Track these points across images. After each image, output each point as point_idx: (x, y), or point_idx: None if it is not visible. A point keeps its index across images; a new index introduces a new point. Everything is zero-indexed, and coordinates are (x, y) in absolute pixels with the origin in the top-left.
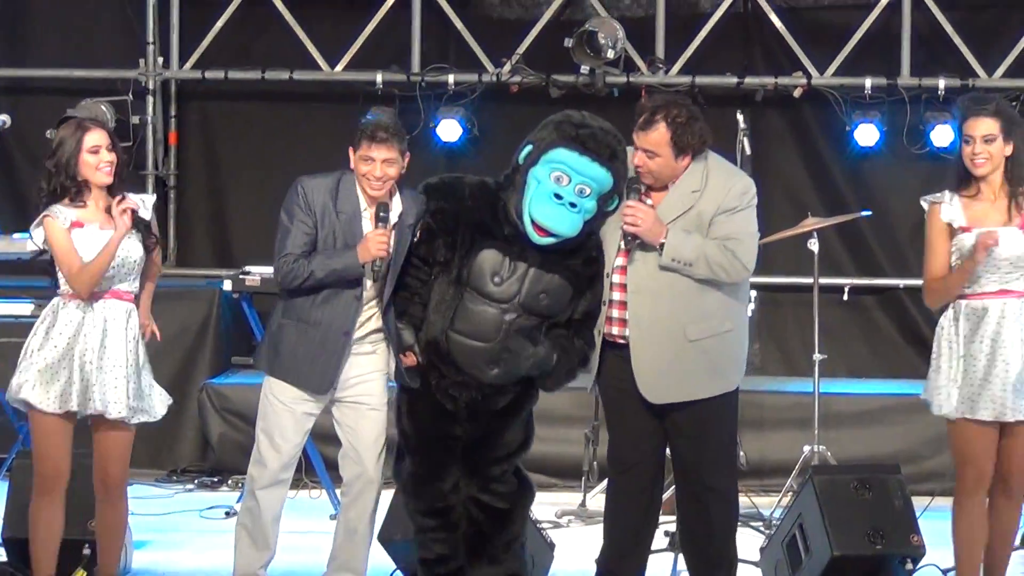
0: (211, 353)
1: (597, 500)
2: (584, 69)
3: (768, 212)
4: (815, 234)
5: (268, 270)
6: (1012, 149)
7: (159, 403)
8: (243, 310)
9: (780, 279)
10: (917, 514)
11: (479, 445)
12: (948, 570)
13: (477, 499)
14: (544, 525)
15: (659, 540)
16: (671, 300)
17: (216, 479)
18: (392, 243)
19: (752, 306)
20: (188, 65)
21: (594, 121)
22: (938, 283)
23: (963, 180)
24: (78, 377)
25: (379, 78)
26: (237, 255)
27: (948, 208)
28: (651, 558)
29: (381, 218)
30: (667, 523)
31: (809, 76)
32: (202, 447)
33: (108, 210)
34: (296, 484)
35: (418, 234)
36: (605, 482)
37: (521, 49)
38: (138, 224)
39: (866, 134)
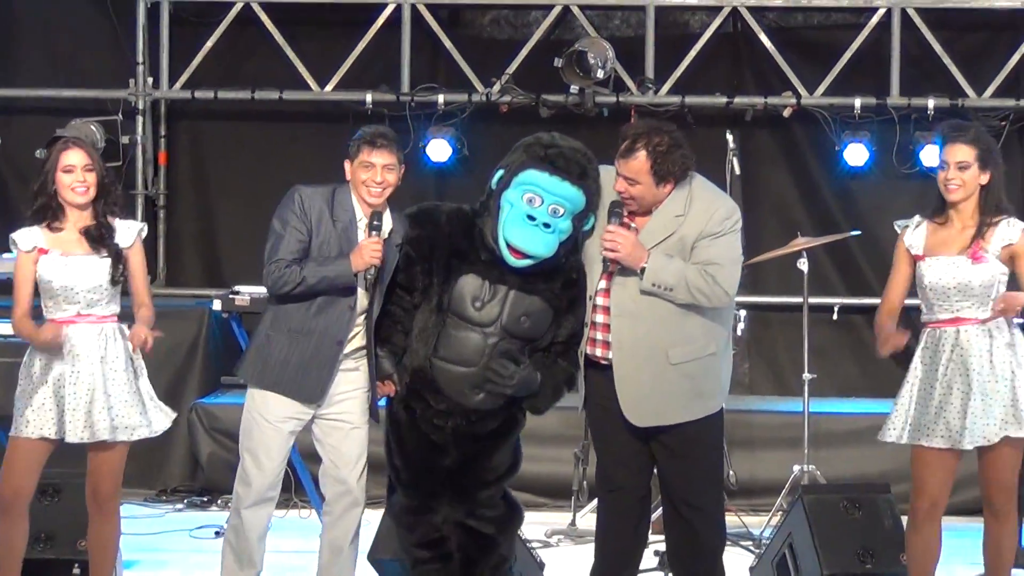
0: (201, 373)
1: (587, 520)
2: (574, 89)
3: (758, 232)
4: (805, 254)
5: (258, 290)
6: (988, 179)
7: (158, 419)
8: (233, 330)
9: (770, 298)
10: None
11: (467, 469)
12: None
13: (464, 524)
14: (534, 545)
15: (650, 560)
16: (653, 323)
17: (206, 499)
18: (384, 254)
19: (742, 325)
20: (178, 85)
21: (563, 141)
22: (881, 312)
23: (939, 206)
24: (53, 403)
25: (369, 98)
26: (227, 275)
27: (911, 234)
28: None
29: (374, 226)
30: (657, 543)
31: (799, 96)
32: (192, 467)
33: (86, 231)
34: (286, 504)
35: (398, 261)
36: (595, 502)
37: (511, 69)
38: (110, 251)
39: (856, 154)
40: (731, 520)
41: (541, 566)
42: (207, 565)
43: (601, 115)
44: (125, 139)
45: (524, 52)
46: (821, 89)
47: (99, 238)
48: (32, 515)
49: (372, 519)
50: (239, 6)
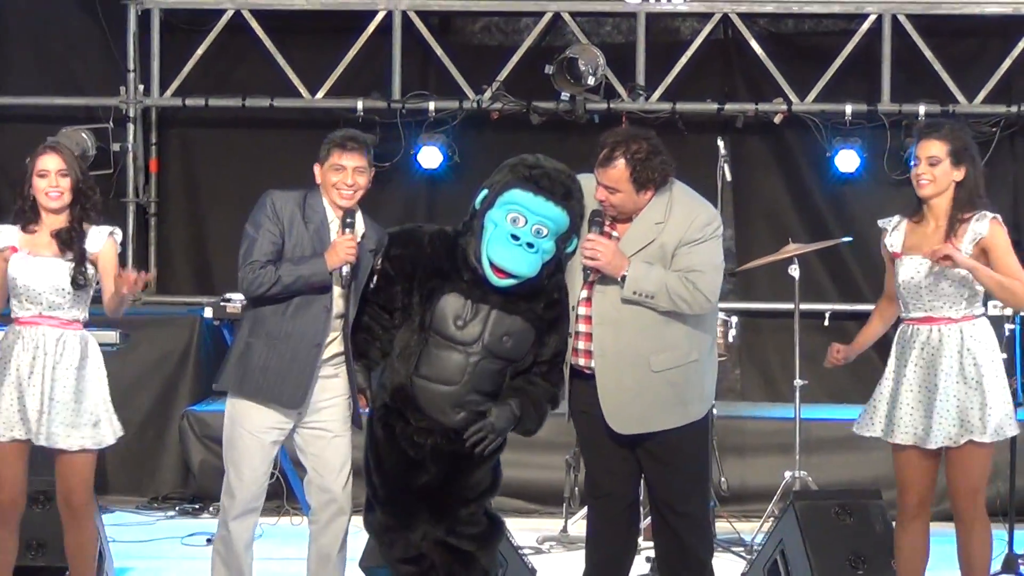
0: (192, 380)
1: (578, 526)
2: (564, 96)
3: (749, 238)
4: (796, 260)
5: None
6: (963, 175)
7: (108, 433)
8: (224, 337)
9: (761, 305)
10: None
11: (446, 487)
12: None
13: (444, 542)
14: (525, 551)
15: (642, 566)
16: (635, 331)
17: (197, 506)
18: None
19: (733, 332)
20: (168, 92)
21: (548, 162)
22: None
23: (917, 204)
24: (17, 405)
25: (360, 105)
26: (218, 282)
27: (890, 234)
28: None
29: (347, 223)
30: (648, 548)
31: (790, 102)
32: (183, 474)
33: (56, 234)
34: (277, 511)
35: (375, 279)
36: (586, 508)
37: (502, 76)
38: (75, 253)
39: (847, 160)
40: (723, 526)
41: (532, 572)
42: (199, 572)
43: (592, 122)
44: (116, 147)
45: (515, 59)
46: (812, 95)
47: (68, 241)
48: (23, 522)
49: (361, 526)
50: (230, 13)
